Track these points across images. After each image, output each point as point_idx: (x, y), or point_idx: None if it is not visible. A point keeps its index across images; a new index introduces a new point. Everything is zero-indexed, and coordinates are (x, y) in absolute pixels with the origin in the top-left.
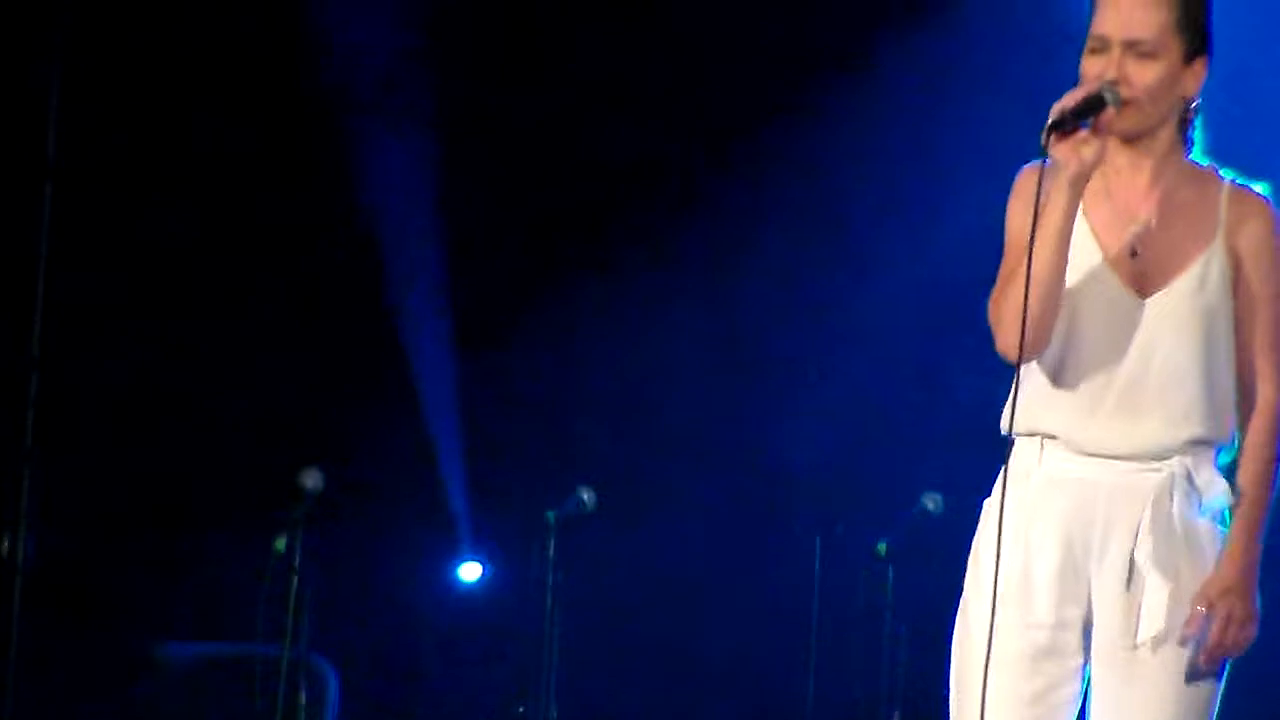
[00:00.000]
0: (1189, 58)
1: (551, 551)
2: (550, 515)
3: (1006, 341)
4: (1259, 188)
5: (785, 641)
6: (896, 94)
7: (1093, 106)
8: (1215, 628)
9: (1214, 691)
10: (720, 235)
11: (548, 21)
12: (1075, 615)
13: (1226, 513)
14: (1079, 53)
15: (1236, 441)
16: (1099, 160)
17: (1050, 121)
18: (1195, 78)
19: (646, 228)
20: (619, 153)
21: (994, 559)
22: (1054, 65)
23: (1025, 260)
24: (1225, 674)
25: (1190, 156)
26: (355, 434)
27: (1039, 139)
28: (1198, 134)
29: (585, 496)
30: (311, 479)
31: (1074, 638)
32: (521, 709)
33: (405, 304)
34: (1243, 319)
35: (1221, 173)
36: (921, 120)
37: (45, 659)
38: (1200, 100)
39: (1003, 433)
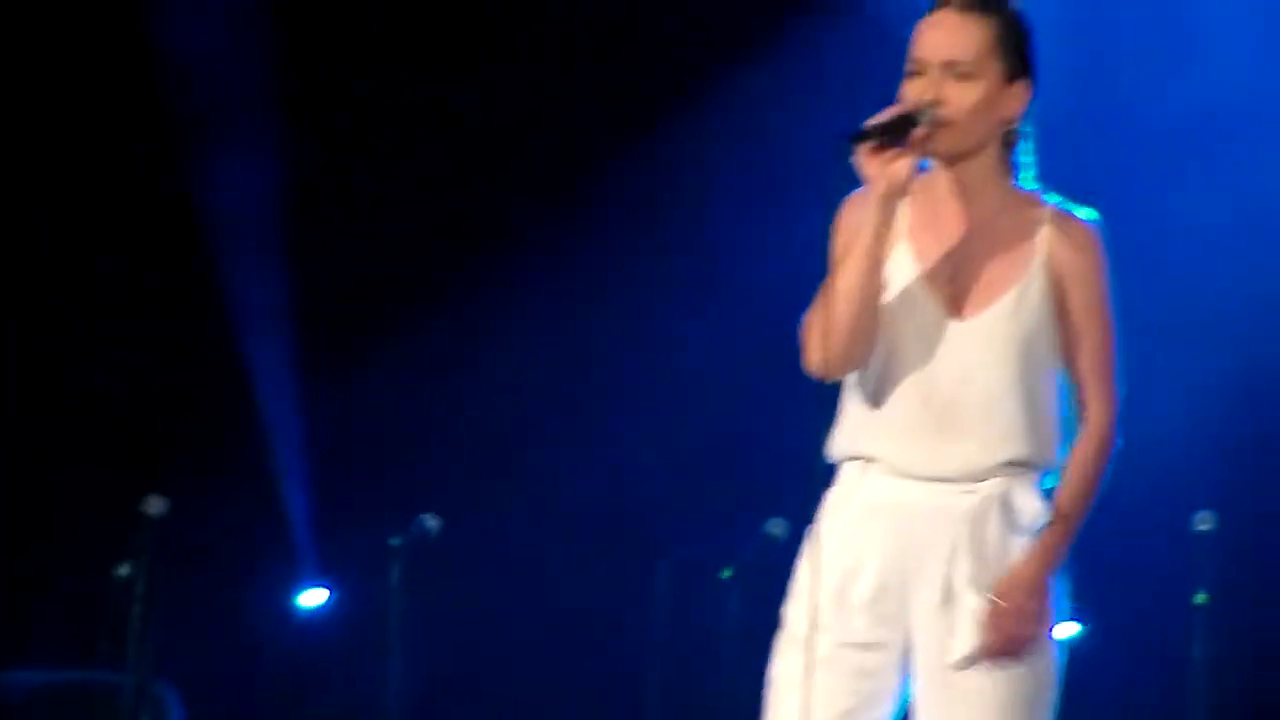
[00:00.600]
0: (1009, 79)
1: (396, 578)
2: (394, 541)
3: (812, 358)
4: (1084, 213)
5: (631, 667)
6: (729, 129)
7: (904, 124)
8: (1004, 621)
9: (1038, 710)
10: (563, 264)
11: (395, 53)
12: (892, 637)
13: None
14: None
15: (1060, 464)
16: (910, 179)
17: (855, 133)
18: (1016, 100)
19: (489, 256)
20: (464, 182)
21: (824, 582)
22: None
23: (842, 272)
24: (1053, 694)
25: (1019, 181)
26: (199, 460)
27: (849, 155)
28: (1027, 158)
29: (430, 523)
30: (155, 505)
31: (890, 659)
32: None
33: (249, 329)
34: (1070, 344)
35: (1046, 197)
36: (755, 153)
37: None
38: (1027, 125)
39: (828, 458)
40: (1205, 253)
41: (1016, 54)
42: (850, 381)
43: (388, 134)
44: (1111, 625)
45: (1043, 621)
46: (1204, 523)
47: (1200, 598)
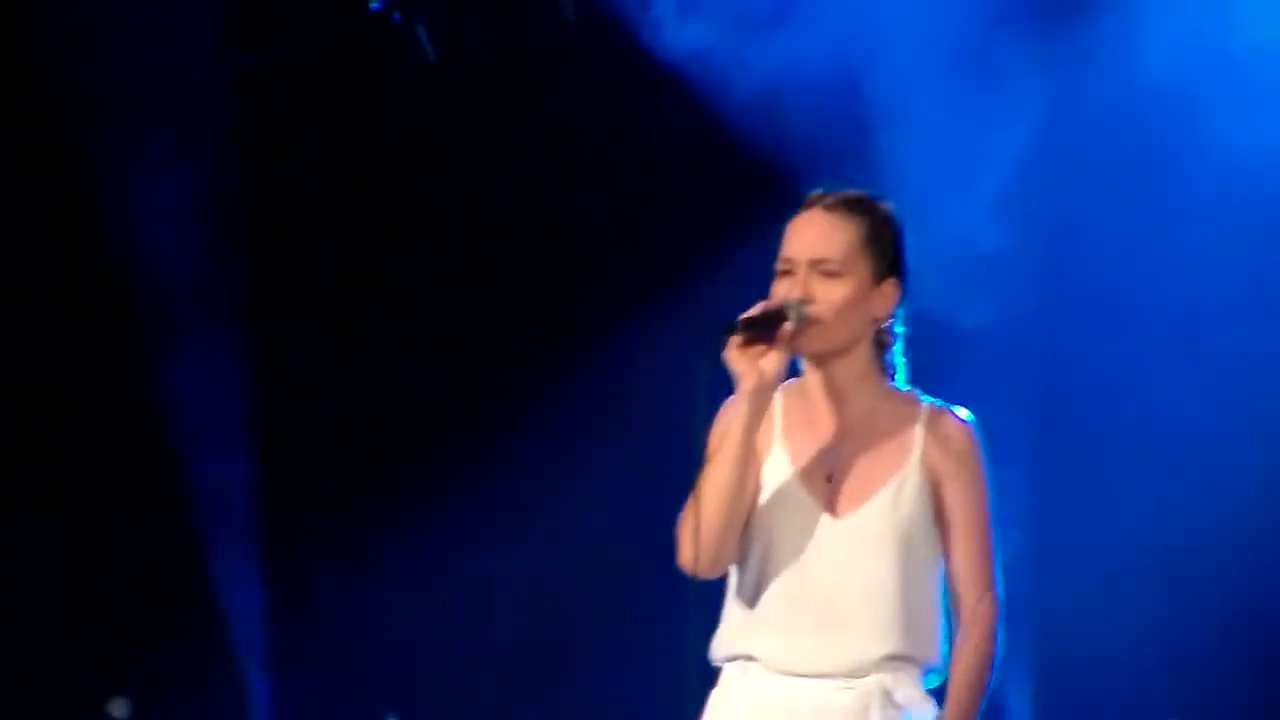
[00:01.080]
0: (878, 278)
1: None
2: None
3: (685, 555)
4: (959, 411)
5: None
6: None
7: (773, 320)
8: None
9: None
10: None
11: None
12: None
13: None
14: None
15: (945, 661)
16: (778, 375)
17: (724, 327)
18: (885, 299)
19: (457, 453)
20: (427, 375)
21: None
22: None
23: (713, 469)
24: None
25: (893, 380)
26: (163, 662)
27: (717, 350)
28: (899, 359)
29: None
30: (119, 708)
31: None
32: None
33: (211, 524)
34: (948, 543)
35: (921, 396)
36: None
37: None
38: (898, 324)
39: (711, 660)
40: None
41: (886, 253)
42: (730, 583)
43: (352, 326)
44: None
45: None
46: None
47: None
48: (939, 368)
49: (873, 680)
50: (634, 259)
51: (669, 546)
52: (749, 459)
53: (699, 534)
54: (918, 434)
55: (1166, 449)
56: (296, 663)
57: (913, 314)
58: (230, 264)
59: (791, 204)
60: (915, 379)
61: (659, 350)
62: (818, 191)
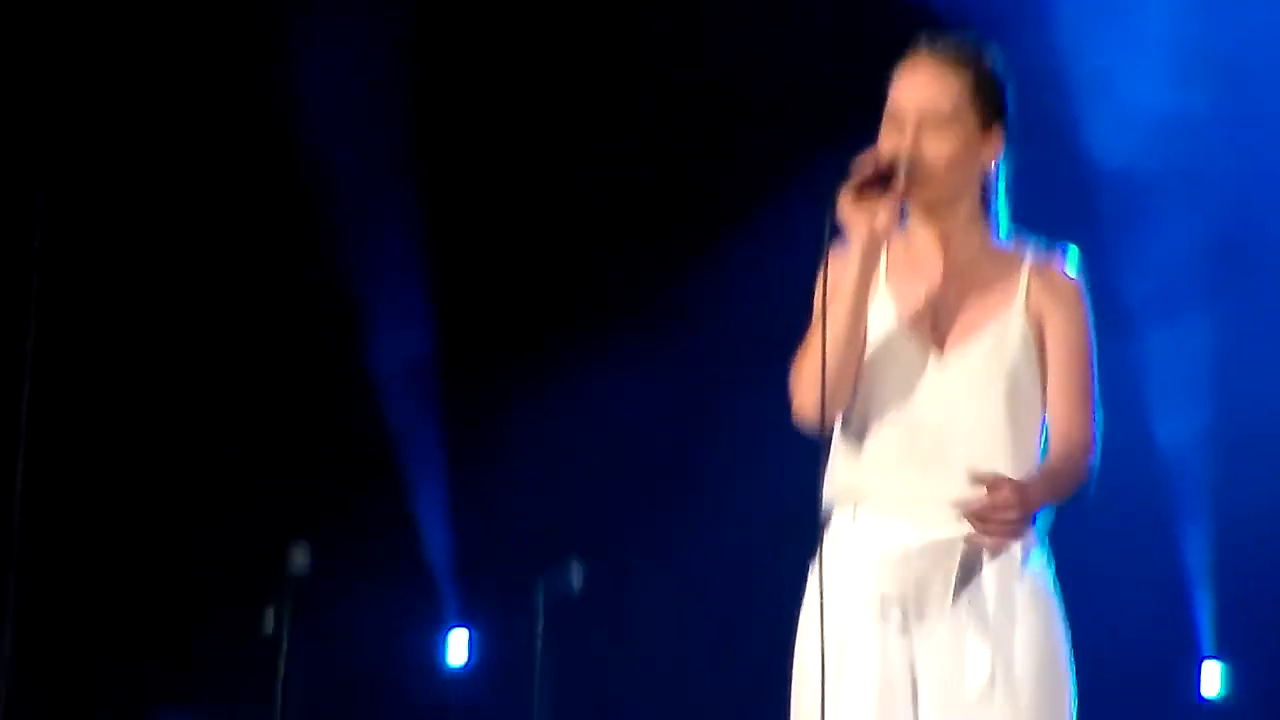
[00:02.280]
0: (985, 125)
1: (540, 627)
2: (539, 591)
3: (802, 403)
4: (1064, 258)
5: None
6: None
7: (884, 175)
8: (995, 502)
9: None
10: (697, 294)
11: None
12: (902, 675)
13: (1050, 567)
14: None
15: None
16: (891, 227)
17: (840, 182)
18: (992, 146)
19: (628, 288)
20: (607, 213)
21: (818, 632)
22: None
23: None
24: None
25: (994, 225)
26: (341, 511)
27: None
28: (1001, 203)
29: (575, 572)
30: (298, 558)
31: (903, 698)
32: None
33: (390, 375)
34: (1050, 386)
35: (1027, 243)
36: None
37: None
38: (1002, 169)
39: (821, 504)
40: None
41: (993, 100)
42: (837, 427)
43: (526, 181)
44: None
45: (1022, 526)
46: None
47: None
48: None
49: None
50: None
51: None
52: (863, 310)
53: (813, 385)
54: (1023, 278)
55: None
56: (475, 515)
57: (1021, 160)
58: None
59: None
60: (1029, 225)
61: None
62: (923, 39)
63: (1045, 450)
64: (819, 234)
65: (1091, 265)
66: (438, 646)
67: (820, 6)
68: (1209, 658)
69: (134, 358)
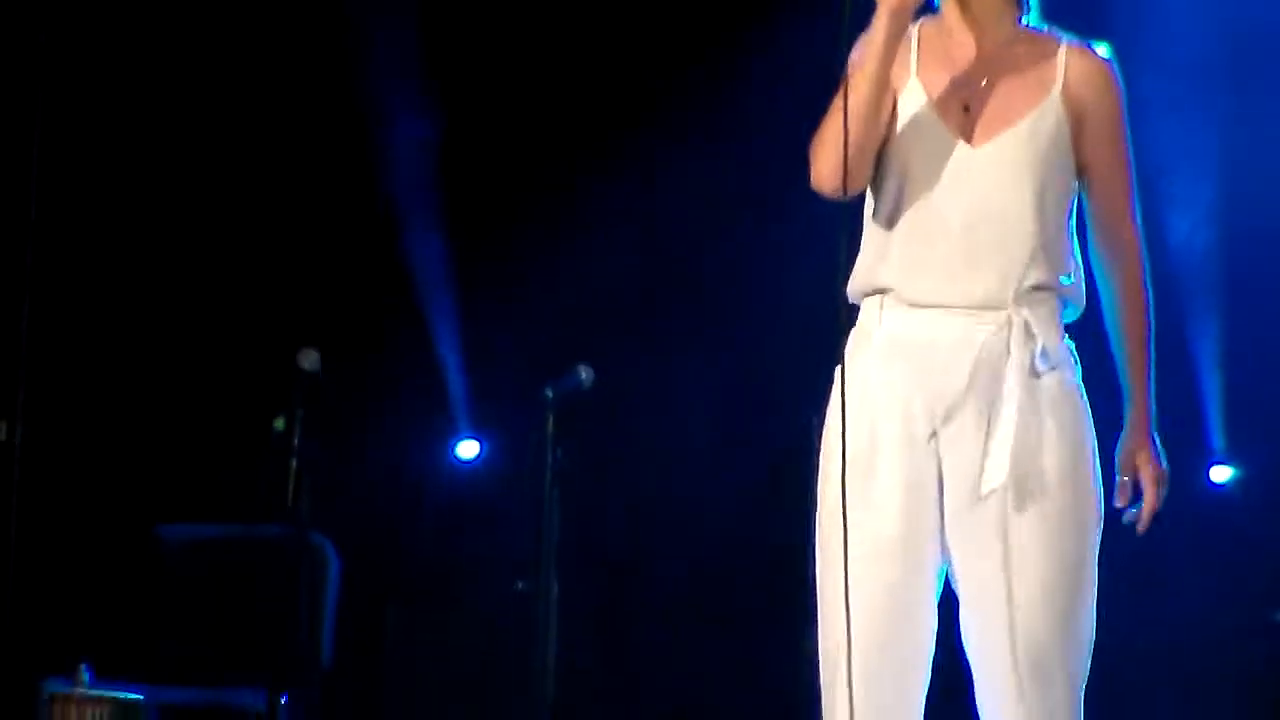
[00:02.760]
0: None
1: (550, 427)
2: (548, 391)
3: (821, 170)
4: (1099, 47)
5: (790, 536)
6: None
7: None
8: (1148, 493)
9: (1082, 540)
10: (719, 121)
11: None
12: (929, 473)
13: (1076, 361)
14: None
15: (1082, 296)
16: None
17: None
18: None
19: (642, 116)
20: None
21: (853, 421)
22: None
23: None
24: (1096, 526)
25: (1026, 17)
26: (351, 313)
27: None
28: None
29: (584, 374)
30: (309, 359)
31: (930, 496)
32: (520, 585)
33: (400, 181)
34: (1091, 173)
35: (1061, 33)
36: None
37: (44, 542)
38: None
39: (848, 299)
40: None
41: None
42: (868, 216)
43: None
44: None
45: (1168, 475)
46: None
47: None
48: None
49: (1013, 311)
50: None
51: None
52: (886, 79)
53: (833, 150)
54: (1058, 68)
55: None
56: (485, 318)
57: None
58: None
59: None
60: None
61: None
62: None
63: (1094, 252)
64: (814, 34)
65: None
66: (450, 444)
67: None
68: (1218, 462)
69: (141, 154)
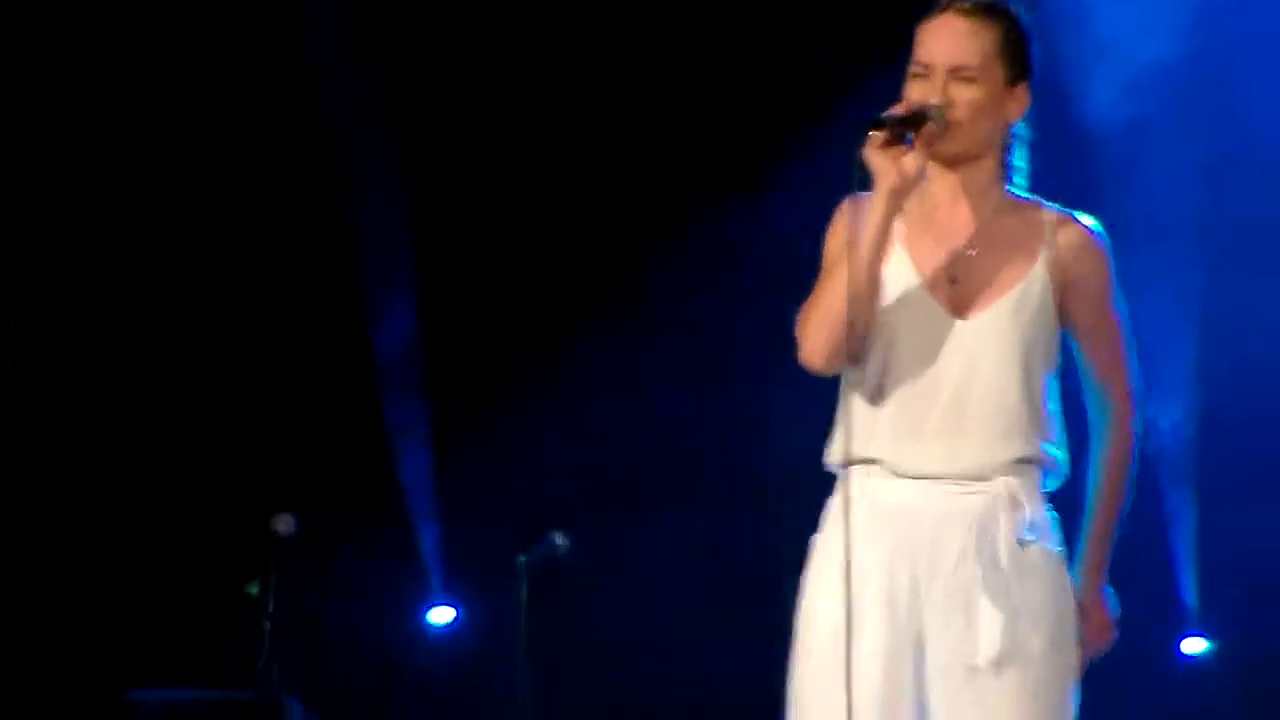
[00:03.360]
0: (1012, 82)
1: (524, 595)
2: (522, 559)
3: (812, 347)
4: (1085, 218)
5: (759, 685)
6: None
7: (916, 120)
8: (1091, 638)
9: (1064, 708)
10: (687, 290)
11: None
12: (911, 644)
13: (1057, 528)
14: None
15: (1063, 466)
16: (919, 176)
17: (872, 121)
18: (1018, 103)
19: (611, 298)
20: (599, 201)
21: (834, 590)
22: None
23: (837, 270)
24: (1077, 687)
25: (1011, 185)
26: (328, 478)
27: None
28: (1020, 163)
29: (558, 540)
30: (284, 523)
31: (912, 667)
32: None
33: (381, 348)
34: (1084, 344)
35: (1047, 204)
36: None
37: (14, 704)
38: (1023, 129)
39: (829, 465)
40: None
41: (1019, 57)
42: (848, 386)
43: (512, 178)
44: (1242, 642)
45: (1115, 626)
46: None
47: None
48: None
49: (999, 484)
50: None
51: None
52: (881, 258)
53: (824, 327)
54: (1044, 239)
55: None
56: (460, 485)
57: (1036, 118)
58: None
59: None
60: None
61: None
62: None
63: (1088, 404)
64: (803, 206)
65: None
66: (424, 611)
67: None
68: (1192, 634)
69: (125, 310)
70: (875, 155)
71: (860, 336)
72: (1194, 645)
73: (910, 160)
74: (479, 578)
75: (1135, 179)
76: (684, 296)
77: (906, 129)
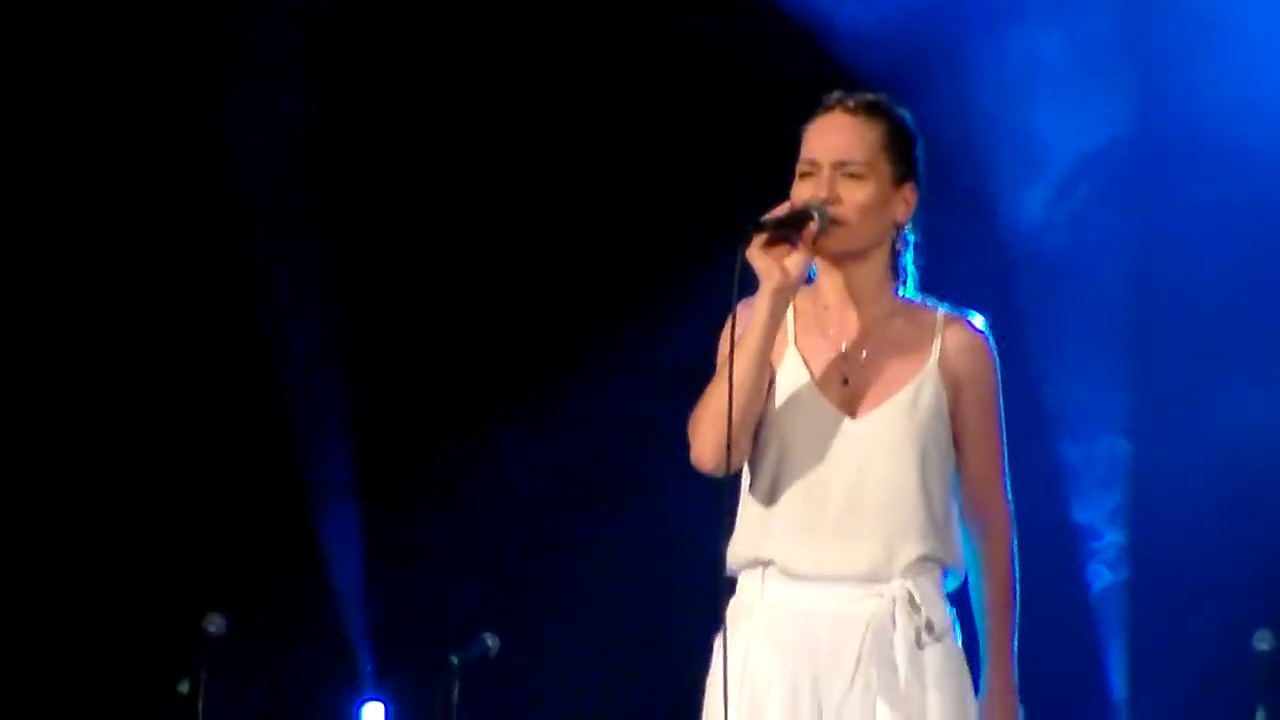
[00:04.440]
0: (898, 181)
1: (455, 695)
2: (454, 658)
3: (702, 448)
4: (975, 318)
5: None
6: None
7: (799, 220)
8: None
9: None
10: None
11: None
12: None
13: (957, 629)
14: None
15: (964, 565)
16: (803, 275)
17: (753, 224)
18: (905, 202)
19: (551, 376)
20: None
21: (723, 697)
22: None
23: (726, 371)
24: None
25: (904, 288)
26: (258, 578)
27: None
28: (910, 266)
29: (489, 640)
30: (214, 623)
31: None
32: None
33: (308, 445)
34: (964, 444)
35: (937, 304)
36: None
37: None
38: (912, 232)
39: (727, 569)
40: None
41: (905, 157)
42: (744, 489)
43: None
44: None
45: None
46: (1263, 641)
47: (1260, 716)
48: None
49: (897, 585)
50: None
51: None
52: (767, 357)
53: (712, 429)
54: (935, 339)
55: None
56: (391, 584)
57: (928, 222)
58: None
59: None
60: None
61: None
62: (837, 94)
63: (963, 518)
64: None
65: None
66: (354, 710)
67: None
68: None
69: (49, 403)
70: (758, 256)
71: (749, 433)
72: None
73: (794, 260)
74: (410, 676)
75: (1066, 279)
76: (614, 394)
77: (788, 228)
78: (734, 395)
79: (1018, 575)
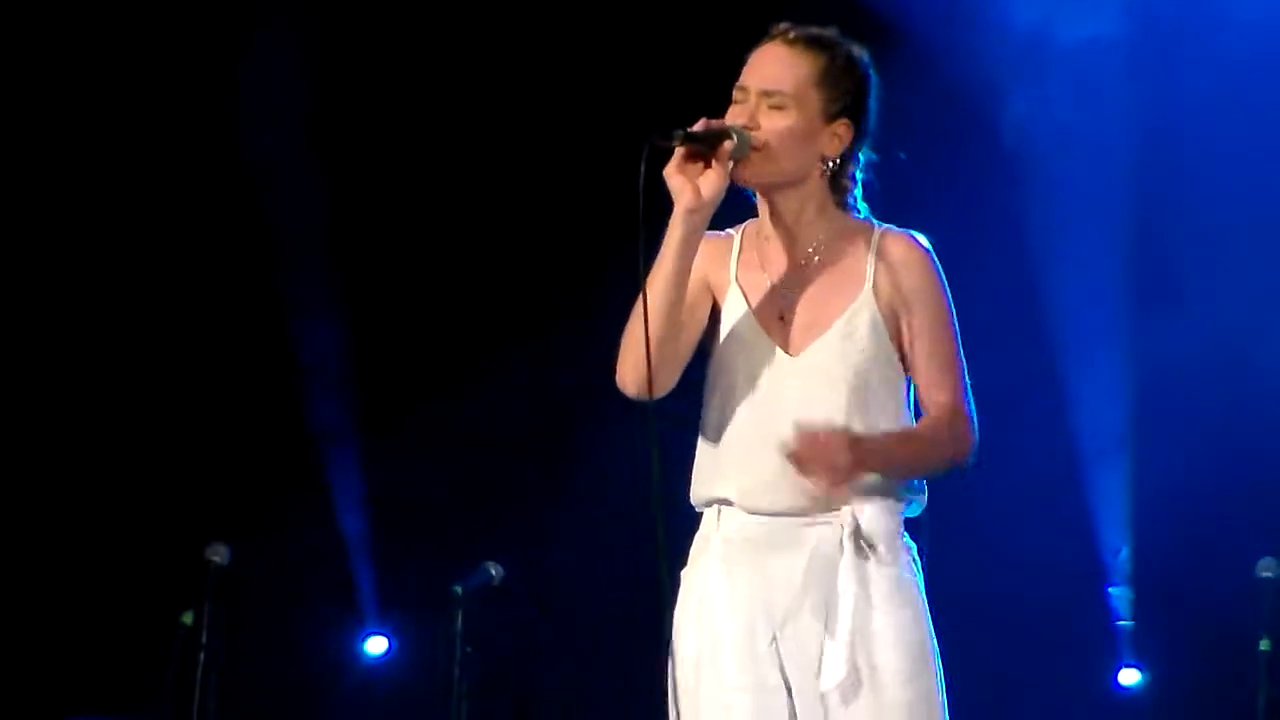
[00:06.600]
0: (829, 117)
1: (459, 625)
2: (457, 588)
3: (623, 374)
4: (914, 233)
5: None
6: None
7: (714, 138)
8: (820, 439)
9: None
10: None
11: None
12: (773, 675)
13: (915, 557)
14: None
15: (921, 491)
16: (716, 195)
17: (662, 135)
18: (836, 138)
19: (543, 314)
20: (515, 237)
21: (695, 625)
22: None
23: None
24: (943, 715)
25: (849, 217)
26: (261, 508)
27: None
28: (861, 204)
29: (493, 570)
30: (218, 553)
31: (778, 698)
32: None
33: (311, 375)
34: (914, 361)
35: (875, 223)
36: None
37: None
38: (859, 169)
39: (692, 505)
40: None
41: (841, 94)
42: (701, 427)
43: (445, 205)
44: (1176, 673)
45: (845, 472)
46: (1267, 569)
47: (1265, 644)
48: None
49: (844, 514)
50: None
51: None
52: (682, 278)
53: (632, 353)
54: (868, 263)
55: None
56: (395, 514)
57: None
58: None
59: None
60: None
61: None
62: (784, 25)
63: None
64: None
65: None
66: (358, 641)
67: None
68: (1128, 665)
69: (58, 341)
70: (673, 174)
71: (672, 359)
72: (1129, 676)
73: (708, 179)
74: (413, 607)
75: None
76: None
77: (704, 144)
78: (649, 318)
79: (936, 459)
